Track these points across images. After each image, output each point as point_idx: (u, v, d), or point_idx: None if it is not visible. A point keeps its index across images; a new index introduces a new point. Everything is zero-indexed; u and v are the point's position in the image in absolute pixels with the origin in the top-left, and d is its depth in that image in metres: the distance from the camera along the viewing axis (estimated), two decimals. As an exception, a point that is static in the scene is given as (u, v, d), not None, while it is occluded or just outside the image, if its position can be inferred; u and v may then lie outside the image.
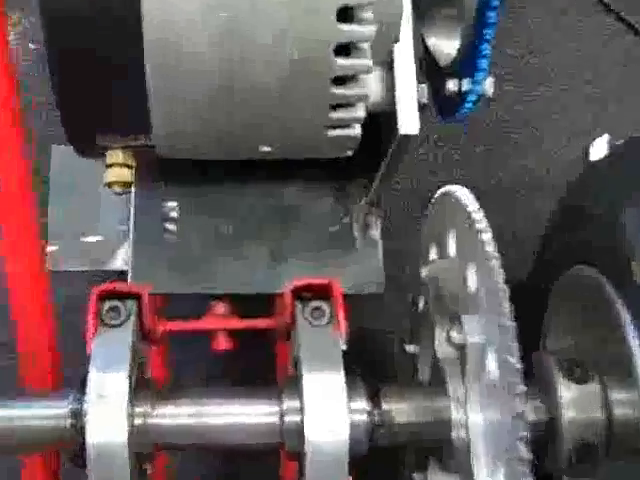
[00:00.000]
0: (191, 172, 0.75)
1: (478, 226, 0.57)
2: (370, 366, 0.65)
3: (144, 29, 0.51)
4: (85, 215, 0.76)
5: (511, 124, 1.16)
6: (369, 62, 0.56)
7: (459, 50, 0.66)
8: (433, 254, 0.70)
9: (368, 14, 0.55)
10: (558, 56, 1.21)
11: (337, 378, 0.60)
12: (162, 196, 0.75)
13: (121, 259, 0.76)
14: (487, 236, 0.56)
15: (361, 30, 0.54)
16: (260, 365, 0.84)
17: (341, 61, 0.55)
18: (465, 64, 0.64)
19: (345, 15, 0.54)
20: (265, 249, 0.75)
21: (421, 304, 0.74)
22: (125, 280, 0.73)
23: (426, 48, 0.68)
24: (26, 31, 0.99)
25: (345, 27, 0.53)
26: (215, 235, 0.75)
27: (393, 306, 0.90)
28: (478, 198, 0.60)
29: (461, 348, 0.60)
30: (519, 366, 0.51)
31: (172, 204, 0.75)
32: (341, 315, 0.63)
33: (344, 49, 0.56)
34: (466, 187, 0.64)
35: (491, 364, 0.55)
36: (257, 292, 0.74)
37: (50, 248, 0.73)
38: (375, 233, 0.77)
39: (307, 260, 0.75)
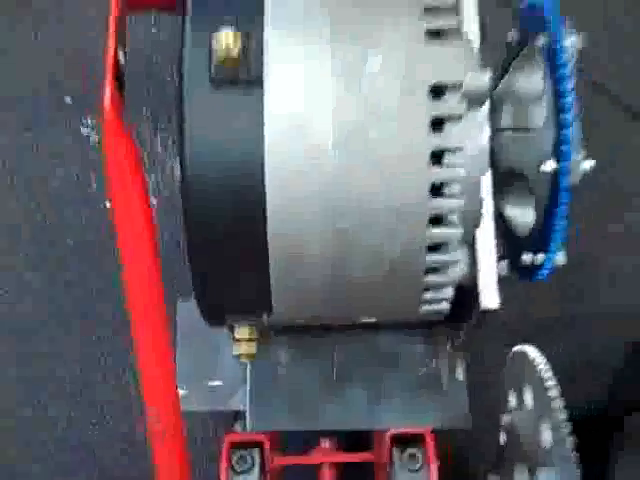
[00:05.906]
0: (299, 328, 0.87)
1: (548, 385, 0.67)
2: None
3: (270, 241, 0.64)
4: (208, 362, 0.88)
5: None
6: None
7: (535, 221, 0.74)
8: (513, 401, 0.79)
9: (454, 218, 0.66)
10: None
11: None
12: (274, 346, 0.88)
13: (238, 400, 0.88)
14: (555, 395, 0.65)
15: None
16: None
17: (432, 256, 0.67)
18: (539, 237, 0.72)
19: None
20: (364, 391, 0.87)
21: (502, 439, 0.82)
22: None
23: (501, 216, 0.77)
24: (149, 183, 1.13)
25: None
26: (321, 379, 0.87)
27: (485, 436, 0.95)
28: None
29: (539, 499, 0.69)
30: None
31: (283, 352, 0.88)
32: (433, 462, 0.74)
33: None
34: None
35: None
36: (356, 429, 0.85)
37: (182, 392, 0.85)
38: (460, 375, 0.87)
39: (400, 399, 0.86)
